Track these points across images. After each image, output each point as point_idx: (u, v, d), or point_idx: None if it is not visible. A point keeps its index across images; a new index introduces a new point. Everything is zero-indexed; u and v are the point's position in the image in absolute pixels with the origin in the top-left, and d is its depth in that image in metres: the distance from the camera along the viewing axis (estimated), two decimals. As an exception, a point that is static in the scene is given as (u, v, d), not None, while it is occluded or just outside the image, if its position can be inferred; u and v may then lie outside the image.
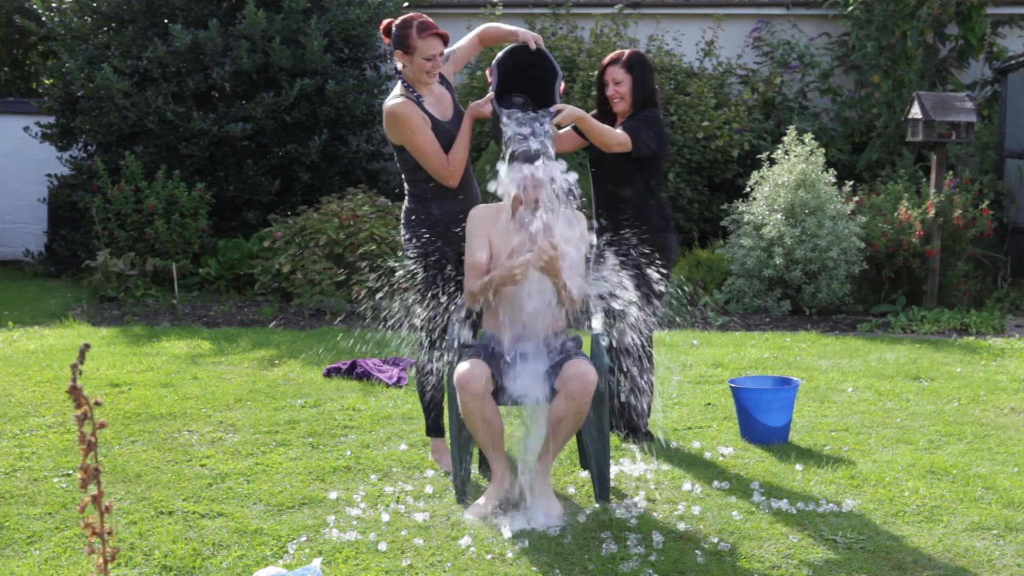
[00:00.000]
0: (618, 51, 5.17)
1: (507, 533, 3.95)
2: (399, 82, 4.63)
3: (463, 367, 4.19)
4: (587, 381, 4.12)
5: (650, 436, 5.17)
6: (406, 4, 11.39)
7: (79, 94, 10.55)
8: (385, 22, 4.63)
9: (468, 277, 4.40)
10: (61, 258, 11.31)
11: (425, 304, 4.66)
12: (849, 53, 11.36)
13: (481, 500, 4.27)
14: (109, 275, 9.60)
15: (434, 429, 4.88)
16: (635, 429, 5.13)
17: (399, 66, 4.60)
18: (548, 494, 4.24)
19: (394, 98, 4.59)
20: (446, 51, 4.65)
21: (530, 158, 4.19)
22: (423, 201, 4.64)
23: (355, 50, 11.17)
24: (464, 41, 4.96)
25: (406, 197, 4.74)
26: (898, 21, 10.79)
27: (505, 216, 4.33)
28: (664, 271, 5.03)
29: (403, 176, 4.75)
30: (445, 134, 4.57)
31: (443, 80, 4.70)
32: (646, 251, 5.00)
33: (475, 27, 5.12)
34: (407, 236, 4.68)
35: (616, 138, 4.90)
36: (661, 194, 5.24)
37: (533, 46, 4.58)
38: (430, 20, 4.54)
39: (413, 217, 4.66)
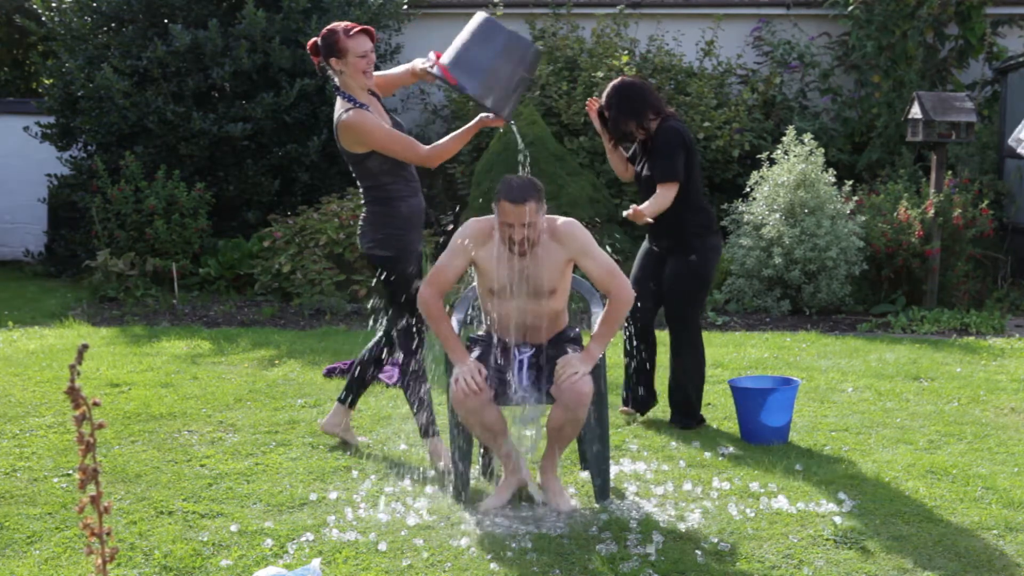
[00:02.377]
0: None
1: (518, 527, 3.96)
2: (340, 98, 4.79)
3: (459, 379, 4.17)
4: (580, 393, 4.10)
5: (702, 420, 5.54)
6: (406, 5, 11.40)
7: (79, 94, 10.55)
8: (310, 42, 4.81)
9: (429, 280, 4.33)
10: (61, 258, 11.31)
11: (404, 304, 4.78)
12: (849, 53, 11.35)
13: (494, 494, 4.32)
14: (109, 275, 9.60)
15: (425, 432, 4.89)
16: (692, 416, 5.48)
17: (336, 79, 4.77)
18: (557, 489, 4.29)
19: (343, 111, 4.73)
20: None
21: (516, 199, 4.14)
22: (388, 203, 4.77)
23: (355, 50, 11.16)
24: (397, 68, 5.03)
25: (367, 206, 4.83)
26: (898, 21, 10.79)
27: (497, 237, 4.27)
28: (696, 267, 5.37)
29: (363, 186, 4.85)
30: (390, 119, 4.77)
31: (372, 93, 4.85)
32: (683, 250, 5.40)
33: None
34: (379, 236, 4.76)
35: (666, 198, 5.25)
36: (696, 199, 5.43)
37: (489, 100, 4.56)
38: (353, 23, 4.73)
39: (380, 219, 4.77)
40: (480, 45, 4.46)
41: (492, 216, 4.30)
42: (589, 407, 4.18)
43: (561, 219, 4.30)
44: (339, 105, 4.79)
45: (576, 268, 4.42)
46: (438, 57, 4.58)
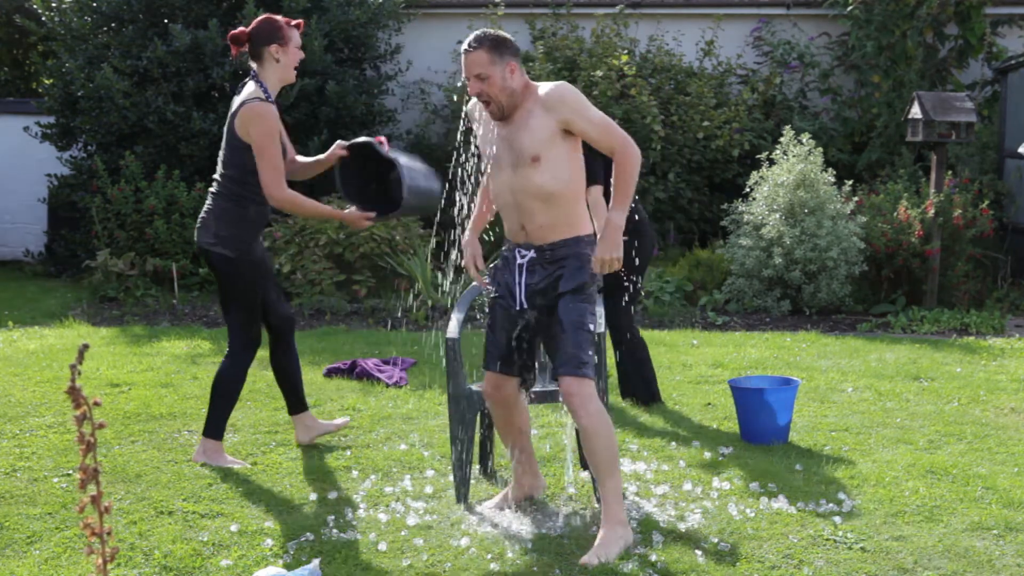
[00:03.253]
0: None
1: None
2: (253, 83, 4.76)
3: (492, 379, 4.09)
4: (575, 402, 3.83)
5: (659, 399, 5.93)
6: (406, 5, 11.40)
7: (79, 94, 10.54)
8: (236, 31, 4.76)
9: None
10: (61, 258, 11.31)
11: (244, 300, 4.78)
12: (849, 53, 11.36)
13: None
14: (109, 275, 9.60)
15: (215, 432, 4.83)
16: (653, 396, 5.88)
17: (257, 68, 4.76)
18: (603, 538, 3.79)
19: (256, 97, 4.69)
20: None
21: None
22: (242, 201, 4.73)
23: (355, 50, 11.17)
24: (310, 161, 5.10)
25: (218, 199, 4.76)
26: (898, 21, 10.79)
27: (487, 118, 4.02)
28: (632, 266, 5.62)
29: (224, 176, 4.77)
30: (281, 147, 4.78)
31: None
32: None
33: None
34: (224, 234, 4.70)
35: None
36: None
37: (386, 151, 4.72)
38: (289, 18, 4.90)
39: (228, 217, 4.72)
40: (426, 177, 4.76)
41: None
42: (599, 409, 3.86)
43: (551, 84, 3.93)
44: (250, 89, 4.74)
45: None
46: (385, 143, 4.76)
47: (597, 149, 3.96)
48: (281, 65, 4.78)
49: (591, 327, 3.91)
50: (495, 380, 4.11)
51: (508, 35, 3.97)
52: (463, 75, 3.93)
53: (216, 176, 4.83)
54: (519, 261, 3.97)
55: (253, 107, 4.67)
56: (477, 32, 3.95)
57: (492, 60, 3.85)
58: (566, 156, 3.91)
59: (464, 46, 3.90)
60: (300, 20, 4.87)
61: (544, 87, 3.92)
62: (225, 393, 4.81)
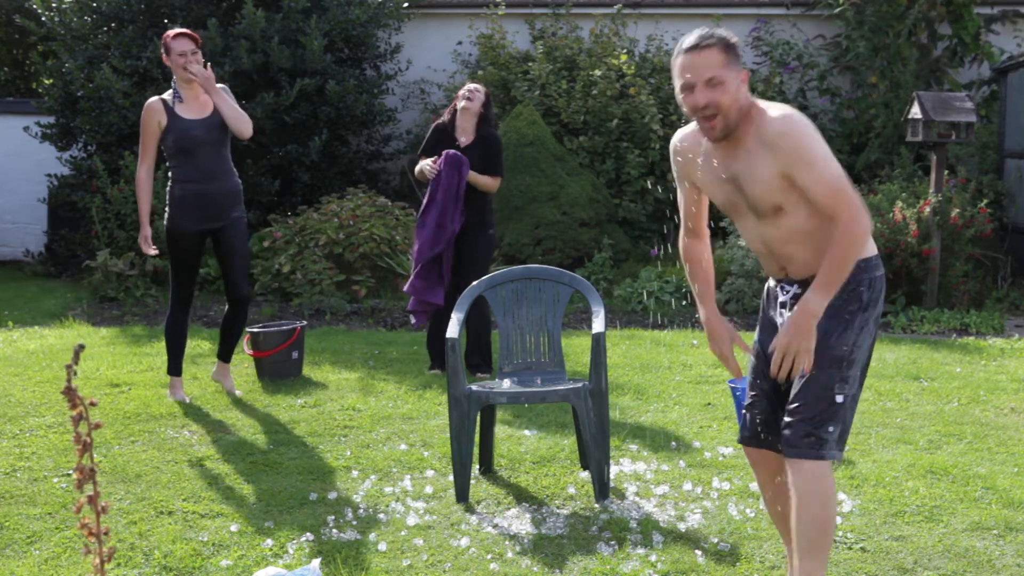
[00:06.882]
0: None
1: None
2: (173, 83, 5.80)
3: (763, 459, 3.41)
4: (805, 475, 3.11)
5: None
6: (406, 4, 11.40)
7: (79, 94, 10.54)
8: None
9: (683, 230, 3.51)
10: (61, 258, 11.31)
11: (174, 266, 5.85)
12: (844, 54, 11.35)
13: None
14: (109, 275, 9.59)
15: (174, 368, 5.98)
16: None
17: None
18: None
19: (156, 96, 5.82)
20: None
21: None
22: (173, 182, 5.80)
23: (355, 50, 11.17)
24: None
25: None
26: (891, 21, 10.78)
27: (705, 144, 3.28)
28: (493, 238, 6.75)
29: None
30: (183, 130, 5.69)
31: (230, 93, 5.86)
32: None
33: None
34: (165, 208, 5.91)
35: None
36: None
37: None
38: (187, 31, 5.79)
39: (168, 194, 5.85)
40: None
41: (691, 128, 3.36)
42: (825, 492, 3.10)
43: (775, 112, 3.12)
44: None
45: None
46: None
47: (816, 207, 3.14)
48: (173, 70, 5.78)
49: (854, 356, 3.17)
50: (761, 456, 3.44)
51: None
52: (681, 81, 3.13)
53: None
54: (782, 298, 3.31)
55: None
56: (700, 29, 3.15)
57: (727, 63, 3.09)
58: (804, 198, 3.15)
59: (688, 43, 3.11)
60: (188, 33, 5.76)
61: (771, 111, 3.13)
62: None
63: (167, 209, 5.82)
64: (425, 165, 6.51)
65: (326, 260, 9.31)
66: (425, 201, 6.47)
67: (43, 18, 11.25)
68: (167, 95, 5.76)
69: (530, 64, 11.20)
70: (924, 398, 6.05)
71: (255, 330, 6.44)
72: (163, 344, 7.52)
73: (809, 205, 3.12)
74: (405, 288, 6.58)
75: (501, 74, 11.25)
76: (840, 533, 3.95)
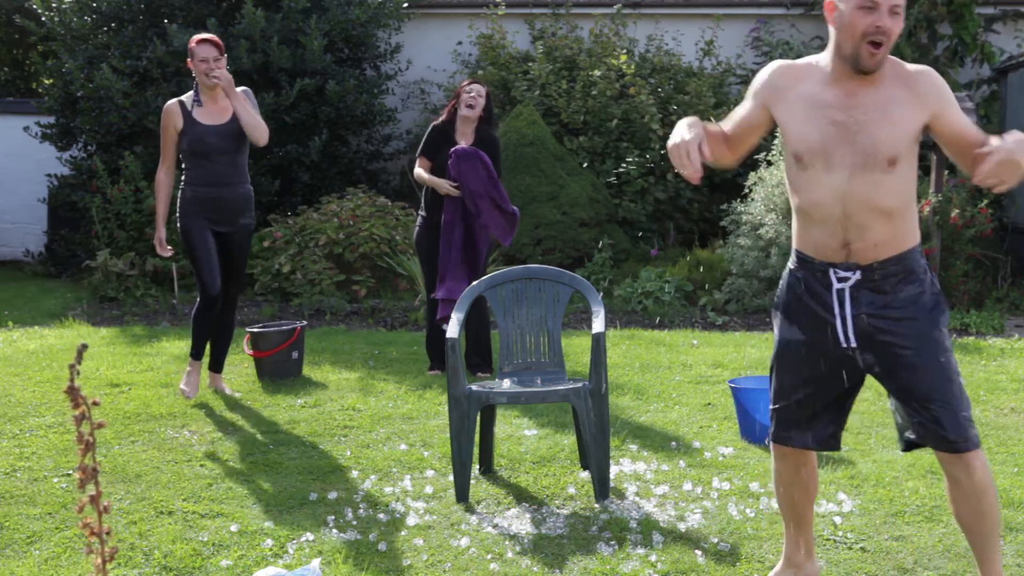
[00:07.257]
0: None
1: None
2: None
3: (782, 442, 3.22)
4: (973, 468, 3.07)
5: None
6: (406, 4, 11.40)
7: (79, 94, 10.55)
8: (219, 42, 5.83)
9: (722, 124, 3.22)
10: (61, 258, 11.31)
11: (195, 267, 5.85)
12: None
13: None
14: (109, 275, 9.60)
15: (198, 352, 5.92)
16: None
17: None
18: None
19: (175, 98, 5.93)
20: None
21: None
22: (184, 184, 5.88)
23: (355, 50, 11.17)
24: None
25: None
26: (889, 22, 10.78)
27: (812, 78, 3.05)
28: None
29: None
30: (198, 135, 5.75)
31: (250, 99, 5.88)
32: None
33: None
34: (178, 208, 5.93)
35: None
36: None
37: None
38: (212, 36, 5.82)
39: (179, 195, 5.93)
40: None
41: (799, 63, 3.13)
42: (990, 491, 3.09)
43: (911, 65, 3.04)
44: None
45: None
46: None
47: (951, 154, 3.03)
48: (197, 75, 5.83)
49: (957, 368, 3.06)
50: (798, 458, 3.27)
51: None
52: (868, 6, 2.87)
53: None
54: (838, 286, 3.03)
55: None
56: None
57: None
58: (916, 158, 3.04)
59: None
60: (212, 39, 5.81)
61: (908, 64, 3.04)
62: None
63: (179, 210, 5.89)
64: (445, 186, 6.40)
65: (326, 260, 9.31)
66: (446, 218, 6.39)
67: (43, 18, 11.26)
68: (187, 96, 5.81)
69: (530, 64, 11.20)
70: (924, 398, 6.04)
71: (255, 330, 6.44)
72: (163, 344, 7.56)
73: (911, 172, 2.98)
74: (438, 295, 6.33)
75: (501, 74, 11.26)
76: (840, 533, 3.95)
